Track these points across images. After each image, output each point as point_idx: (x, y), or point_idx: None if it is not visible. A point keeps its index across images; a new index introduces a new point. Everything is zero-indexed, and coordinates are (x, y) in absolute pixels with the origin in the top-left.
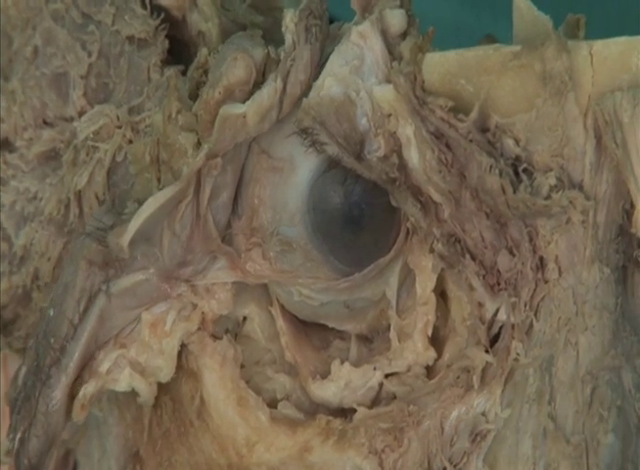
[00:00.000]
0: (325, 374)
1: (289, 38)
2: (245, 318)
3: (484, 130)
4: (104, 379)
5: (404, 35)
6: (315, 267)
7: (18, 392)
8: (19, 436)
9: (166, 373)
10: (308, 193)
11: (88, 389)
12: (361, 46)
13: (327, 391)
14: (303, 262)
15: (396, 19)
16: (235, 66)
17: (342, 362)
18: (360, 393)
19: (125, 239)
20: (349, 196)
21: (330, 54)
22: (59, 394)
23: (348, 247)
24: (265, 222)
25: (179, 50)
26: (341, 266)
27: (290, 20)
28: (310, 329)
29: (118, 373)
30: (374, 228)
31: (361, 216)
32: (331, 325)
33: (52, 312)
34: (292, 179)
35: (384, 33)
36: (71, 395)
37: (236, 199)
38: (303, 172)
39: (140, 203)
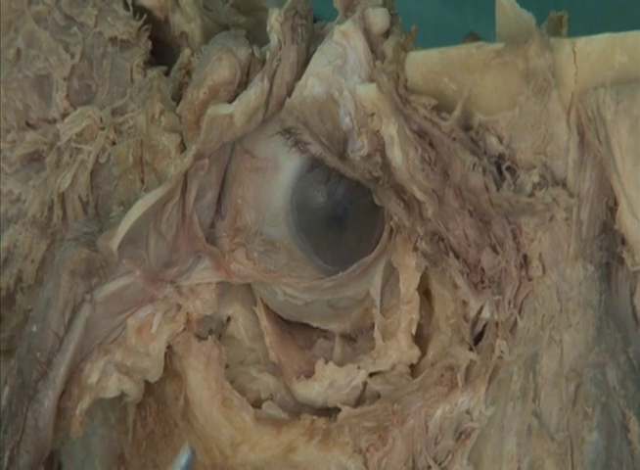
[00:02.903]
0: (309, 374)
1: (274, 38)
2: (229, 318)
3: (468, 128)
4: (96, 391)
5: (387, 34)
6: (299, 267)
7: (2, 411)
8: (7, 454)
9: (154, 374)
10: (292, 193)
11: (83, 406)
12: (344, 45)
13: (311, 390)
14: (287, 262)
15: (379, 17)
16: (220, 66)
17: (327, 362)
18: (344, 392)
19: (115, 242)
20: (333, 195)
21: (313, 53)
22: (47, 408)
23: (332, 246)
24: (249, 222)
25: (162, 51)
26: (324, 266)
27: (275, 19)
28: (294, 329)
29: (107, 381)
30: (357, 227)
31: (344, 216)
32: (315, 325)
33: (35, 328)
34: (275, 179)
35: (366, 32)
36: (59, 408)
37: (219, 199)
38: (287, 172)
39: (125, 205)
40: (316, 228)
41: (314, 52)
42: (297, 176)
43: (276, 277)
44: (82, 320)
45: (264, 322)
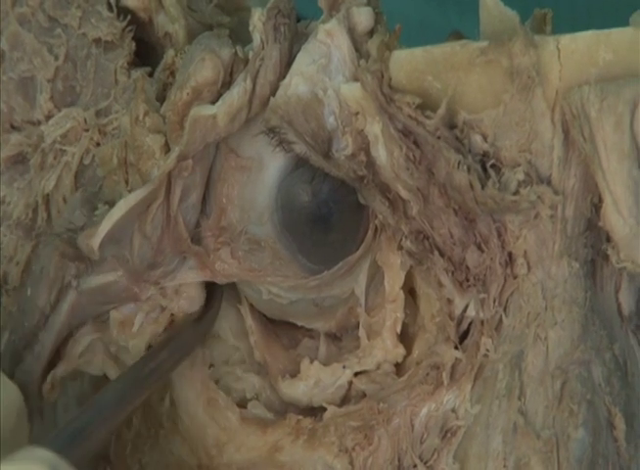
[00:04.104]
0: (294, 373)
1: (257, 37)
2: None
3: (452, 127)
4: (75, 362)
5: (372, 33)
6: (284, 266)
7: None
8: None
9: None
10: (276, 191)
11: (57, 373)
12: (328, 44)
13: (296, 389)
14: (272, 261)
15: (363, 16)
16: (203, 66)
17: (312, 361)
18: (330, 391)
19: (96, 241)
20: (317, 194)
21: (297, 53)
22: (32, 379)
23: (317, 245)
24: (234, 221)
25: (146, 52)
26: (309, 265)
27: (258, 19)
28: (279, 328)
29: (91, 356)
30: (342, 226)
31: (329, 215)
32: (300, 323)
33: (29, 292)
34: (260, 178)
35: (351, 31)
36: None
37: (204, 198)
38: (271, 171)
39: (110, 205)
40: (301, 227)
41: (298, 51)
42: (281, 175)
43: (261, 276)
44: (67, 305)
45: (249, 321)
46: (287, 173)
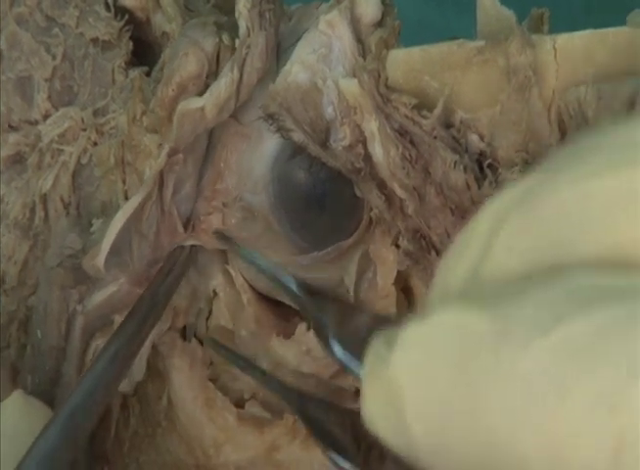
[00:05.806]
0: (288, 337)
1: (242, 25)
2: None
3: (449, 126)
4: None
5: (380, 24)
6: (275, 240)
7: None
8: None
9: (137, 372)
10: (273, 161)
11: None
12: (329, 35)
13: (288, 350)
14: (264, 233)
15: (370, 7)
16: (187, 61)
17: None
18: (322, 363)
19: (101, 259)
20: (314, 179)
21: (282, 35)
22: None
23: (310, 224)
24: (229, 187)
25: (143, 51)
26: (301, 242)
27: (243, 5)
28: (271, 303)
29: None
30: (337, 210)
31: (324, 195)
32: (287, 302)
33: (39, 334)
34: (259, 147)
35: (355, 22)
36: None
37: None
38: (271, 142)
39: (106, 207)
40: (295, 203)
41: (285, 32)
42: (280, 147)
43: (251, 246)
44: (78, 331)
45: (240, 280)
46: (285, 146)
